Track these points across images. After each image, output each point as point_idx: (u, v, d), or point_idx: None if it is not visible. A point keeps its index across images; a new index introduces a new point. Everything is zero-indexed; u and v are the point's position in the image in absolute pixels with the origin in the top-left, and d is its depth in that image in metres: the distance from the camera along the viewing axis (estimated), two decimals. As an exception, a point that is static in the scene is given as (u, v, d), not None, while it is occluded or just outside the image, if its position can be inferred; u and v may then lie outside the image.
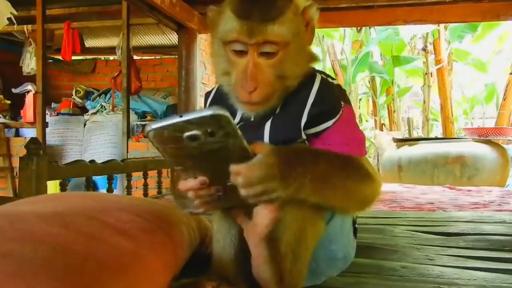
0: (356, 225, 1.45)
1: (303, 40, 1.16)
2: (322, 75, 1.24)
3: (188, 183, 0.97)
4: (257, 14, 1.07)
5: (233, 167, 0.93)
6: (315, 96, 1.16)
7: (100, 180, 5.44)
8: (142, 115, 6.56)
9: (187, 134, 0.87)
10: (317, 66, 1.27)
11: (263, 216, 1.01)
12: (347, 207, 1.16)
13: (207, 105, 1.35)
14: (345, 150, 1.13)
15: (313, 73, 1.22)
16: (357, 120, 10.32)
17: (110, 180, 3.25)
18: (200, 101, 5.43)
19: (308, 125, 1.15)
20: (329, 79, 1.25)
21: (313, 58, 1.24)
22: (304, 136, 1.16)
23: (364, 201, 1.15)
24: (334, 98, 1.18)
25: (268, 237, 1.03)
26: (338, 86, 1.26)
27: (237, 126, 0.90)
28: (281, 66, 1.12)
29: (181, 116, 0.86)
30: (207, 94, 1.38)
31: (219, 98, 1.27)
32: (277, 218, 1.01)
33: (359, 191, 1.12)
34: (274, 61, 1.11)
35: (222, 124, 0.87)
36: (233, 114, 1.22)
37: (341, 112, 1.16)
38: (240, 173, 0.93)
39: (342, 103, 1.18)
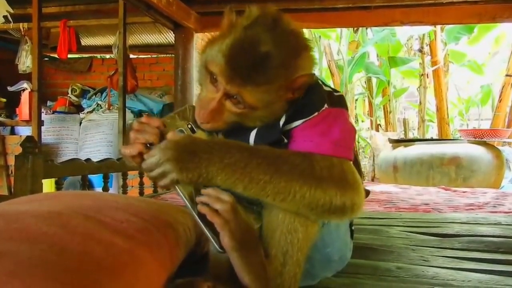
0: (353, 227, 1.46)
1: (279, 104, 1.12)
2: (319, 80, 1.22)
3: None
4: (241, 70, 1.05)
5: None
6: (299, 100, 1.15)
7: (96, 178, 5.42)
8: (138, 114, 6.54)
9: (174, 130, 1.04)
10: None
11: (218, 227, 1.01)
12: (299, 211, 1.05)
13: None
14: (308, 146, 1.08)
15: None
16: (353, 121, 10.33)
17: (106, 178, 3.25)
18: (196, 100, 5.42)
19: (285, 123, 1.14)
20: (319, 81, 1.22)
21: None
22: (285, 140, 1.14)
23: (318, 206, 1.02)
24: (315, 98, 1.16)
25: (238, 246, 1.02)
26: (329, 92, 1.23)
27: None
28: (243, 118, 1.13)
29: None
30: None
31: None
32: (224, 225, 1.00)
33: (299, 191, 1.01)
34: (239, 111, 1.11)
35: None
36: None
37: (316, 113, 1.12)
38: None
39: (326, 106, 1.15)
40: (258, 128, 1.16)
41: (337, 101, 1.22)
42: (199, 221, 1.03)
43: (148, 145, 1.03)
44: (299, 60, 1.10)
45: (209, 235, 1.03)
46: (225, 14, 1.15)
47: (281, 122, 1.13)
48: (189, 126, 1.06)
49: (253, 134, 1.16)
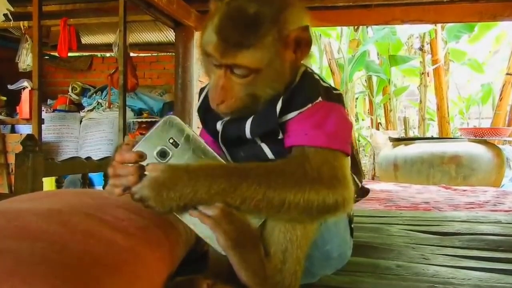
0: (353, 225, 1.45)
1: (282, 64, 1.13)
2: (308, 69, 1.23)
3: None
4: (232, 37, 1.07)
5: None
6: (293, 86, 1.16)
7: (96, 177, 5.42)
8: (138, 112, 6.54)
9: (155, 151, 1.01)
10: (314, 66, 1.23)
11: (211, 229, 1.02)
12: (293, 218, 1.05)
13: (200, 99, 1.36)
14: (303, 140, 1.09)
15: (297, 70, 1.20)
16: (353, 119, 10.32)
17: (106, 177, 3.24)
18: (196, 99, 5.42)
19: (280, 114, 1.14)
20: (316, 76, 1.23)
21: (299, 67, 1.21)
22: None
23: (312, 209, 1.02)
24: (310, 88, 1.17)
25: (233, 245, 1.02)
26: (327, 88, 1.23)
27: (194, 132, 1.04)
28: (253, 87, 1.12)
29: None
30: (202, 89, 1.39)
31: None
32: (215, 226, 1.00)
33: (294, 200, 1.00)
34: (245, 81, 1.11)
35: (178, 128, 1.02)
36: None
37: (310, 105, 1.13)
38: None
39: (320, 98, 1.15)
40: (254, 116, 1.16)
41: (335, 98, 1.22)
42: (195, 228, 1.03)
43: None
44: (287, 13, 1.11)
45: (207, 240, 1.04)
46: (210, 4, 1.18)
47: (278, 108, 1.13)
48: (171, 140, 1.02)
49: (248, 123, 1.16)
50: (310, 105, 1.13)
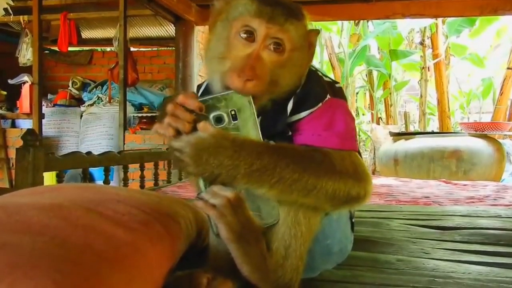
0: (354, 220, 1.46)
1: (303, 56, 1.15)
2: (312, 68, 1.23)
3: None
4: (280, 8, 1.08)
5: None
6: (301, 85, 1.17)
7: (97, 171, 5.43)
8: (138, 107, 6.54)
9: (213, 114, 1.02)
10: (314, 60, 1.25)
11: (214, 219, 1.02)
12: (317, 204, 1.08)
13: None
14: (315, 141, 1.10)
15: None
16: (354, 114, 10.31)
17: (107, 171, 3.25)
18: (197, 94, 5.41)
19: (291, 113, 1.15)
20: (319, 73, 1.24)
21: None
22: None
23: (337, 198, 1.05)
24: (318, 87, 1.18)
25: (235, 239, 1.03)
26: (330, 83, 1.24)
27: (256, 116, 1.03)
28: (280, 68, 1.09)
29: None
30: (199, 86, 1.38)
31: (208, 92, 1.24)
32: (219, 217, 1.00)
33: (325, 186, 1.03)
34: (278, 58, 1.08)
35: (245, 105, 1.02)
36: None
37: (320, 104, 1.14)
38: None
39: (328, 96, 1.16)
40: (261, 117, 1.14)
41: (339, 93, 1.24)
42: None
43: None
44: (306, 17, 1.16)
45: (210, 220, 1.05)
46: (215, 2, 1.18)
47: (289, 109, 1.14)
48: (232, 112, 1.02)
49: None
50: (320, 104, 1.15)
